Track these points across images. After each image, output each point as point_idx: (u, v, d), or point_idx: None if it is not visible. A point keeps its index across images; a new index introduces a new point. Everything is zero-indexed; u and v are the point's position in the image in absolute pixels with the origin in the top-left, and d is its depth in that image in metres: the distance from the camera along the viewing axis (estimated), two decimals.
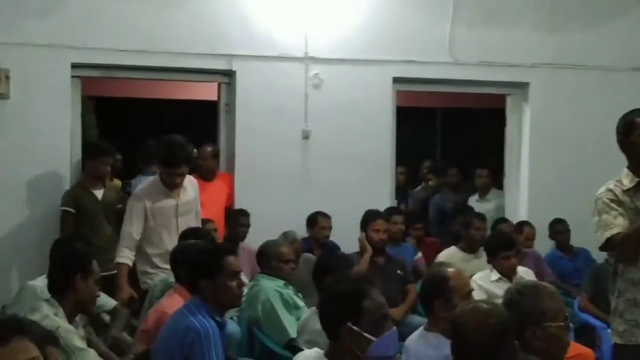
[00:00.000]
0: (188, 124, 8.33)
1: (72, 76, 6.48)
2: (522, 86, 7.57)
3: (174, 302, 4.07)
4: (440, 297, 3.42)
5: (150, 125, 8.93)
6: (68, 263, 3.93)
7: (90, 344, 3.97)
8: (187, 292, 4.05)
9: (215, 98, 7.26)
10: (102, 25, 6.48)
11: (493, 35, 7.36)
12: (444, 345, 3.25)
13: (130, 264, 5.45)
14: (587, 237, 5.35)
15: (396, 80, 7.23)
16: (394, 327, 2.83)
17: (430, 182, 8.96)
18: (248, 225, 6.50)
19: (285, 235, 6.27)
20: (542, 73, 7.48)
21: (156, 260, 5.43)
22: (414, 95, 8.66)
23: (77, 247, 4.34)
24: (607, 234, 3.74)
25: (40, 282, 4.50)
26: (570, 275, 7.06)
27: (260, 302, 5.14)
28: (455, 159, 9.27)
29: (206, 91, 8.10)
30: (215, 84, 7.17)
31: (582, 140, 7.42)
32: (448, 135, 11.29)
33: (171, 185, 5.51)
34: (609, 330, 4.74)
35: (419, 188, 9.25)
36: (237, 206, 6.75)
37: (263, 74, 6.90)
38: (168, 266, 4.74)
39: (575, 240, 7.23)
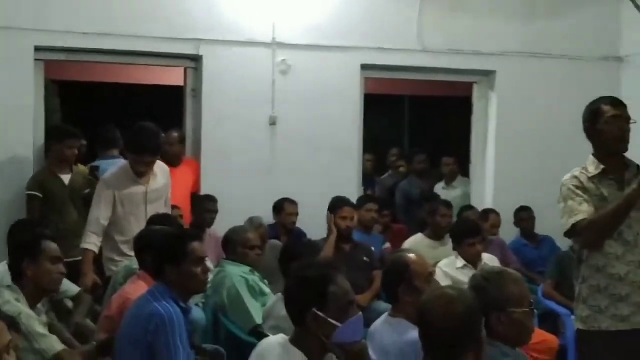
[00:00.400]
0: (154, 109, 8.24)
1: (36, 59, 6.38)
2: (489, 74, 7.60)
3: (137, 288, 4.03)
4: (402, 282, 3.43)
5: (116, 110, 8.83)
6: (15, 251, 3.89)
7: (52, 330, 3.92)
8: (151, 278, 4.01)
9: (181, 83, 7.20)
10: (66, 7, 6.38)
11: (461, 23, 7.36)
12: (408, 331, 3.27)
13: (96, 250, 5.39)
14: (552, 225, 5.39)
15: (364, 66, 7.22)
16: (360, 313, 2.82)
17: (401, 169, 8.98)
18: (215, 211, 6.46)
19: (251, 220, 6.24)
20: (508, 61, 7.51)
21: (123, 248, 5.37)
22: (382, 83, 8.66)
23: (22, 234, 4.27)
24: (572, 220, 3.76)
25: (1, 268, 4.42)
26: (535, 263, 7.12)
27: (225, 288, 5.11)
28: (423, 147, 9.29)
29: (173, 76, 8.03)
30: (182, 69, 7.10)
31: (547, 128, 7.46)
32: (415, 122, 11.31)
33: (137, 172, 5.45)
34: (572, 317, 4.79)
35: (385, 175, 9.27)
36: (203, 192, 6.71)
37: (230, 59, 6.85)
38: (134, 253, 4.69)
39: (540, 228, 7.30)
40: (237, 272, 5.15)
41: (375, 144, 9.00)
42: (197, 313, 4.91)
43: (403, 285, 3.42)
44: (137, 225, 5.28)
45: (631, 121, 3.82)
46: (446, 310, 2.53)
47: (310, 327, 2.72)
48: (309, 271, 2.83)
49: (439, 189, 8.29)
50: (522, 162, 7.47)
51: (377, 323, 3.54)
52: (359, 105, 7.29)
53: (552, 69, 7.55)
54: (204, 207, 6.46)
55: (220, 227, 6.21)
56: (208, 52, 6.80)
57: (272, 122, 6.93)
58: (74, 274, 5.08)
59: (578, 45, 7.57)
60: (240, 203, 6.57)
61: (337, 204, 6.23)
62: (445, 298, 2.58)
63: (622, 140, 3.81)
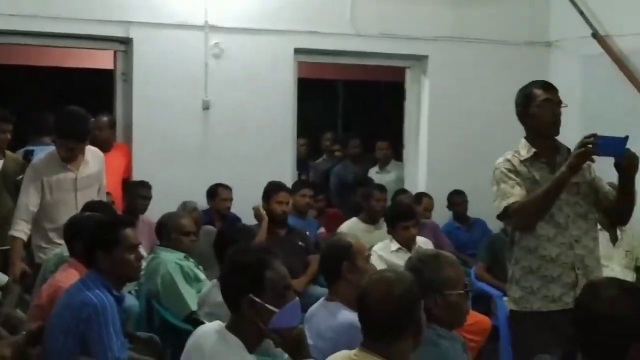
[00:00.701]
0: (84, 94, 8.07)
1: None
2: (421, 59, 7.65)
3: (69, 276, 3.94)
4: (345, 261, 3.46)
5: (44, 94, 8.62)
6: None
7: None
8: (83, 266, 3.93)
9: (111, 67, 7.05)
10: None
11: (394, 7, 7.38)
12: (344, 314, 3.28)
13: (25, 238, 5.24)
14: (484, 208, 5.46)
15: (297, 50, 7.18)
16: (297, 298, 2.81)
17: (336, 153, 9.00)
18: (149, 198, 6.36)
19: (184, 205, 6.18)
20: (441, 46, 7.56)
21: (52, 235, 5.23)
22: (316, 67, 8.65)
23: None
24: (505, 203, 3.81)
25: None
26: (467, 245, 7.20)
27: (159, 275, 5.04)
28: (357, 131, 9.33)
29: (103, 59, 7.87)
30: (112, 52, 6.95)
31: (479, 112, 7.55)
32: (349, 107, 11.34)
33: (62, 157, 5.31)
34: (504, 298, 4.87)
35: (320, 160, 9.28)
36: (135, 178, 6.60)
37: (162, 42, 6.74)
38: (63, 241, 4.59)
39: (472, 211, 7.39)
40: (171, 259, 5.09)
41: (309, 128, 8.99)
42: (131, 301, 4.83)
43: (346, 263, 3.45)
44: (66, 213, 5.13)
45: (562, 105, 3.88)
46: (385, 294, 2.53)
47: (247, 313, 2.69)
48: (245, 257, 2.80)
49: (373, 173, 8.34)
50: (454, 146, 7.55)
51: (314, 307, 3.54)
52: (293, 90, 7.25)
53: (483, 53, 7.63)
54: (137, 193, 6.35)
55: (152, 213, 6.12)
56: (138, 34, 6.68)
57: (206, 107, 6.86)
58: (5, 263, 4.94)
59: (508, 31, 7.67)
60: (174, 189, 6.49)
61: (272, 189, 6.20)
62: (384, 281, 2.58)
63: (554, 123, 3.86)
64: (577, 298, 2.35)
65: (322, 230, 6.99)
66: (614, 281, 2.37)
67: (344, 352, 2.65)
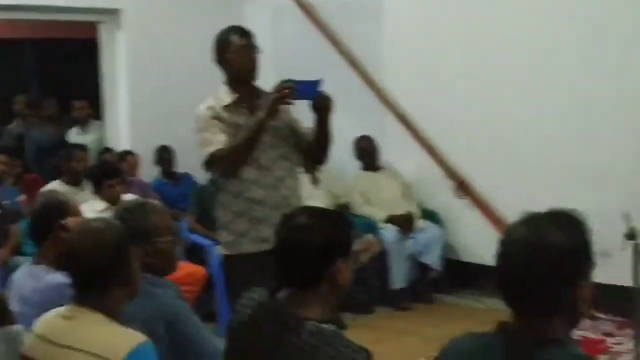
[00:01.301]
0: None
1: None
2: (114, 13, 7.41)
3: None
4: (59, 218, 3.28)
5: None
6: None
7: None
8: None
9: None
10: None
11: None
12: (53, 276, 3.12)
13: None
14: (192, 162, 5.42)
15: None
16: None
17: (32, 118, 8.52)
18: None
19: None
20: None
21: None
22: (1, 26, 8.06)
23: None
24: (208, 151, 3.82)
25: None
26: (176, 200, 7.18)
27: None
28: (52, 92, 8.89)
29: None
30: None
31: (179, 64, 7.51)
32: (41, 67, 10.73)
33: None
34: (217, 247, 4.93)
35: (12, 124, 8.72)
36: None
37: None
38: None
39: (181, 166, 7.37)
40: None
41: None
42: None
43: (58, 221, 3.27)
44: None
45: (258, 51, 3.95)
46: (96, 243, 2.40)
47: None
48: None
49: (74, 134, 8.03)
50: (157, 100, 7.46)
51: (17, 273, 3.33)
52: None
53: (178, 4, 7.58)
54: None
55: None
56: None
57: None
58: None
59: None
60: None
61: None
62: (93, 230, 2.46)
63: (252, 69, 3.92)
64: (275, 232, 2.38)
65: (23, 197, 6.60)
66: (305, 209, 2.46)
67: (55, 311, 2.51)
